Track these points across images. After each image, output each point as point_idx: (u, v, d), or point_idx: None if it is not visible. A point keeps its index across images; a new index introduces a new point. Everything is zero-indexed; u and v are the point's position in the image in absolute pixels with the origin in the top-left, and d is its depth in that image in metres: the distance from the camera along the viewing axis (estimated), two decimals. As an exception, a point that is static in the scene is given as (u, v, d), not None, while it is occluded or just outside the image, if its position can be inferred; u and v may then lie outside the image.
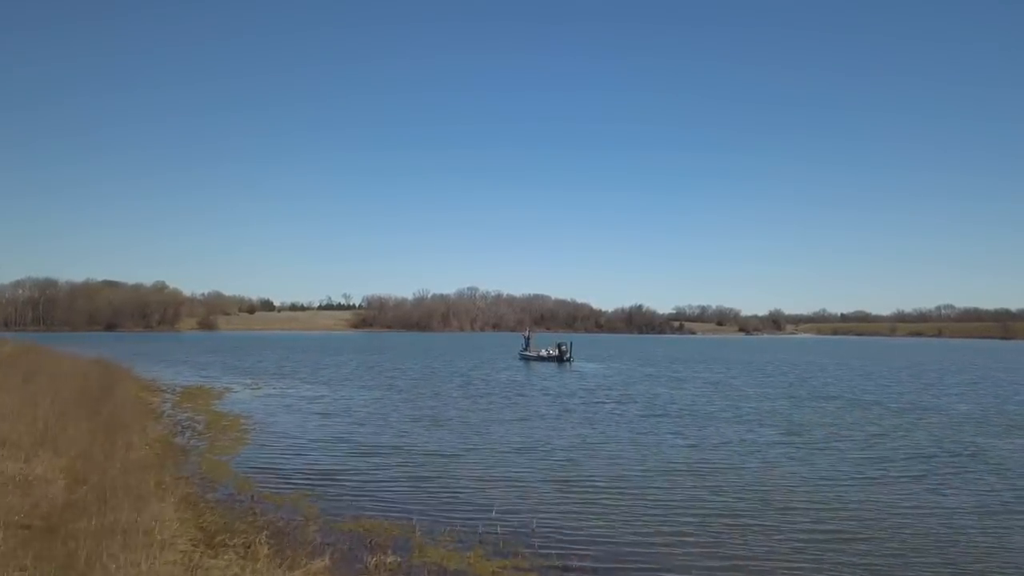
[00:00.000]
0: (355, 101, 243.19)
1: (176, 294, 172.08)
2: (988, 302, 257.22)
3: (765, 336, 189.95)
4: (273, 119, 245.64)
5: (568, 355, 46.64)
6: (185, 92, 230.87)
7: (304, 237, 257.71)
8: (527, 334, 54.13)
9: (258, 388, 26.96)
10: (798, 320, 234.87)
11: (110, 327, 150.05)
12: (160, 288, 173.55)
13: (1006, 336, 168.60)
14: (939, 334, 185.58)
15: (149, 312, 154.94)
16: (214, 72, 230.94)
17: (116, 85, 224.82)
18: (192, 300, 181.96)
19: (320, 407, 20.94)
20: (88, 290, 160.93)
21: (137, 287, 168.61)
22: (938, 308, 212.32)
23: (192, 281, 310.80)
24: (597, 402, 22.92)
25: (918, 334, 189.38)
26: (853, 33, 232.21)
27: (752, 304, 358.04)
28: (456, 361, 47.80)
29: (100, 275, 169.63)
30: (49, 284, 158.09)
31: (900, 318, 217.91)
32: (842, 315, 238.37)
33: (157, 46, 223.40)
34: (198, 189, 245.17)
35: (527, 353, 50.79)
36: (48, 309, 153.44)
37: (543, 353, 48.24)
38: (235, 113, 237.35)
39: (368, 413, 19.66)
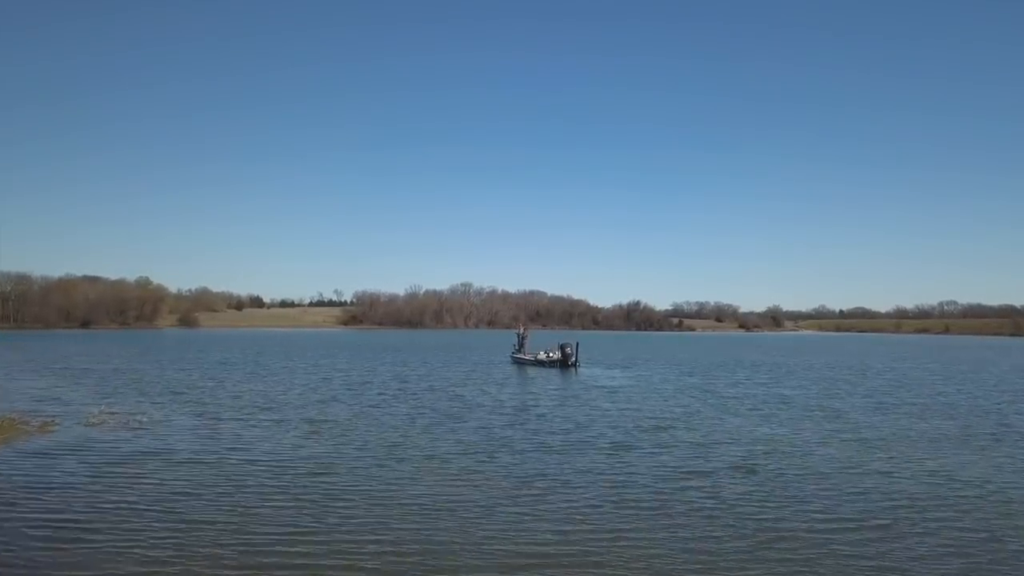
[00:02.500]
0: (348, 99, 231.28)
1: (158, 290, 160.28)
2: (990, 298, 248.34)
3: (768, 333, 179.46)
4: (267, 117, 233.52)
5: (574, 359, 35.66)
6: (180, 90, 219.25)
7: (297, 234, 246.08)
8: (521, 332, 42.74)
9: (95, 424, 15.63)
10: (797, 316, 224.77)
11: (85, 324, 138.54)
12: (144, 284, 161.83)
13: (1016, 333, 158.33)
14: (946, 331, 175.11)
15: (126, 308, 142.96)
16: (208, 70, 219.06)
17: (114, 83, 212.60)
18: (178, 296, 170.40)
19: (117, 495, 9.61)
20: (64, 286, 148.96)
21: (117, 282, 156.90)
22: (941, 304, 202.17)
23: (187, 279, 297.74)
24: (698, 475, 11.47)
25: (924, 331, 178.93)
26: (852, 30, 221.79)
27: (750, 300, 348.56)
28: (439, 368, 36.58)
29: (97, 273, 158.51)
30: (22, 279, 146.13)
31: (901, 314, 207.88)
32: (841, 311, 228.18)
33: (148, 43, 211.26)
34: (191, 187, 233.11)
35: (521, 356, 39.66)
36: (20, 305, 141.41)
37: (542, 356, 37.06)
38: (229, 111, 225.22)
39: (192, 509, 8.34)
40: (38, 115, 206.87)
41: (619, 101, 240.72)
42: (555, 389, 25.41)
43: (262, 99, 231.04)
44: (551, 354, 36.82)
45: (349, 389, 24.48)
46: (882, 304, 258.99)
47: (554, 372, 33.45)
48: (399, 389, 24.56)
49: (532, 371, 34.02)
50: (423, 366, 37.32)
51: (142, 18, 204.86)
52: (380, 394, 23.01)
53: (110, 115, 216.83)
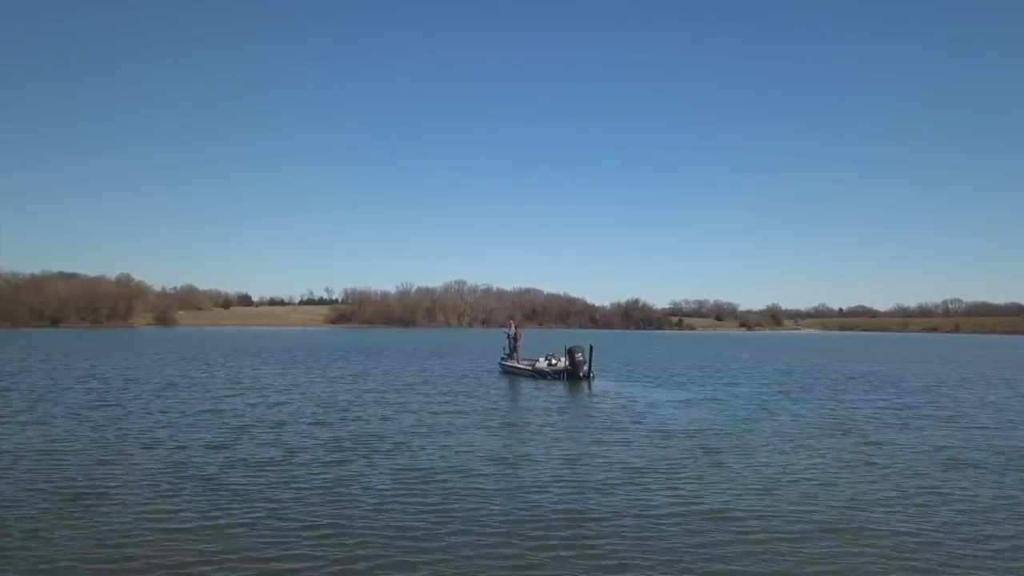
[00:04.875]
0: (343, 97, 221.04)
1: (137, 287, 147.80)
2: (994, 296, 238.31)
3: (769, 332, 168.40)
4: (262, 116, 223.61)
5: (587, 369, 24.47)
6: (175, 89, 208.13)
7: (292, 232, 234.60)
8: (513, 332, 30.18)
9: None
10: (796, 315, 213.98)
11: (56, 322, 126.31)
12: (124, 281, 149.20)
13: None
14: (956, 329, 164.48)
15: (98, 306, 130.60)
16: (203, 68, 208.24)
17: (112, 81, 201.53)
18: (161, 294, 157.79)
19: None
20: (36, 282, 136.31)
21: (93, 279, 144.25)
22: (944, 302, 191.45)
23: (182, 278, 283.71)
24: None
25: (933, 329, 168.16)
26: (853, 29, 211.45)
27: (749, 298, 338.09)
28: (410, 384, 24.78)
29: (88, 272, 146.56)
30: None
31: (903, 313, 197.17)
32: (841, 310, 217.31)
33: (144, 42, 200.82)
34: (185, 185, 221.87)
35: (513, 364, 28.12)
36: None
37: (542, 364, 25.81)
38: (224, 110, 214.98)
39: None
40: (36, 114, 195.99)
41: (617, 99, 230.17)
42: (599, 442, 13.68)
43: (257, 98, 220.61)
44: (554, 361, 25.60)
45: (213, 448, 12.63)
46: (883, 303, 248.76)
47: (561, 389, 22.04)
48: (302, 446, 12.71)
49: (531, 388, 22.45)
50: (388, 380, 25.56)
51: (140, 17, 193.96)
52: (261, 460, 11.24)
53: (110, 113, 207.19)
